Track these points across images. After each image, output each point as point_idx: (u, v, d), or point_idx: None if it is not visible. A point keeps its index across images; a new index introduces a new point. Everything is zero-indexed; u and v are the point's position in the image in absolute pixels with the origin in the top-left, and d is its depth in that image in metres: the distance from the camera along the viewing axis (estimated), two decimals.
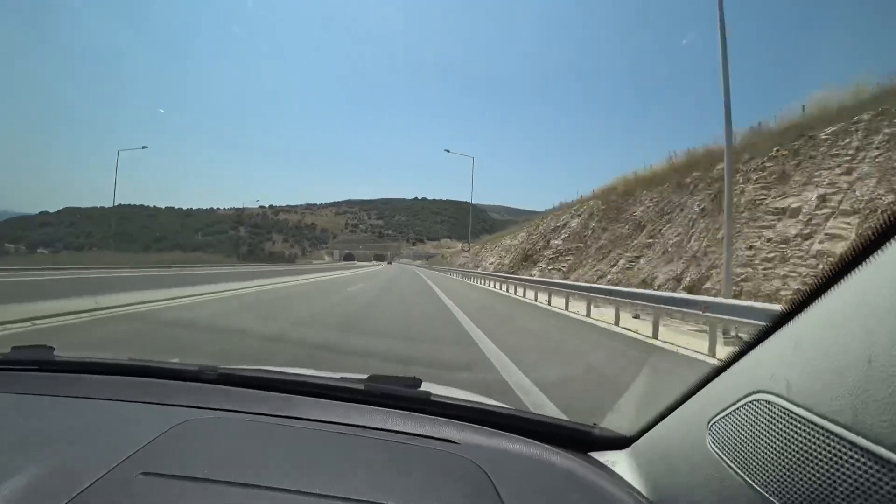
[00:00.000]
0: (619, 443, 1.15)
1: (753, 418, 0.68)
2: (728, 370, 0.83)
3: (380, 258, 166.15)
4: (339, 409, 1.17)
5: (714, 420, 0.78)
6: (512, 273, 29.10)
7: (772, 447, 0.63)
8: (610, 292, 11.20)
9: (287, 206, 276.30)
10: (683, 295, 10.33)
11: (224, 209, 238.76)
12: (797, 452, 0.58)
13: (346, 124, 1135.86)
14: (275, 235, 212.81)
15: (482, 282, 27.29)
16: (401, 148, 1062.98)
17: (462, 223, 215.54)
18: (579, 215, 27.50)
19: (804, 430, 0.57)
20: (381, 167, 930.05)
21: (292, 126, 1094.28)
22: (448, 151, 38.39)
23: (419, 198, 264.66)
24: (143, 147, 43.02)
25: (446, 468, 0.94)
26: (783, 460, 0.60)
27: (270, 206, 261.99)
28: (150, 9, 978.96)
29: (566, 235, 27.36)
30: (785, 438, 0.60)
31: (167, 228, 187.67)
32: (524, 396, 4.09)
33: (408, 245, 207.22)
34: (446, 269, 49.72)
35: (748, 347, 0.78)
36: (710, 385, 0.88)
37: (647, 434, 1.07)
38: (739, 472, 0.69)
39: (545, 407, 3.82)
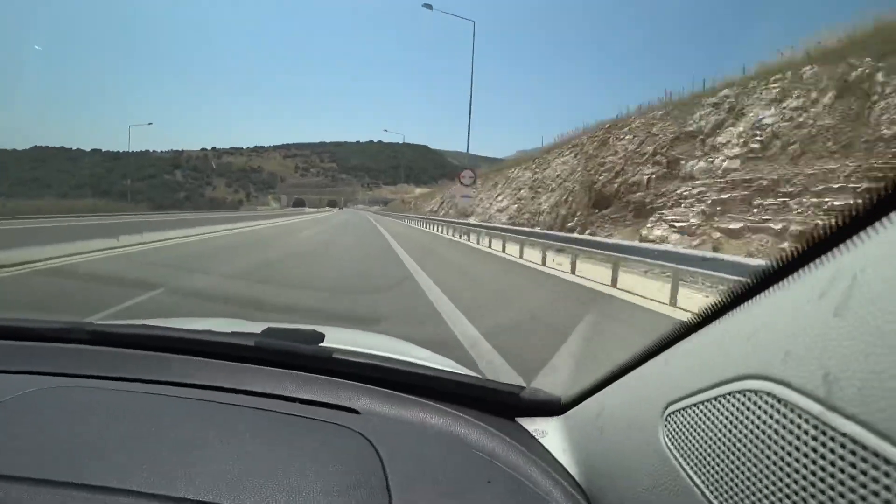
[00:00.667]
0: (552, 408, 0.98)
1: (740, 420, 0.44)
2: (701, 333, 0.57)
3: (332, 204, 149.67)
4: (226, 372, 0.98)
5: (673, 408, 0.56)
6: (565, 232, 15.71)
7: (770, 471, 0.39)
8: None
9: (232, 148, 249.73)
10: None
11: (160, 152, 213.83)
12: (821, 485, 0.34)
13: (299, 62, 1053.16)
14: (216, 180, 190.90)
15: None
16: (355, 87, 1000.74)
17: (420, 167, 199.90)
18: (764, 103, 12.24)
19: (854, 458, 0.32)
20: (334, 108, 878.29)
21: (242, 62, 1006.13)
22: (429, 7, 23.67)
23: (374, 140, 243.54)
24: None
25: (333, 446, 0.77)
26: (779, 489, 0.38)
27: (214, 149, 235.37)
28: None
29: (747, 150, 12.00)
30: (807, 462, 0.36)
31: (90, 173, 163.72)
32: None
33: (363, 190, 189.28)
34: (419, 219, 34.51)
35: (737, 300, 0.50)
36: (673, 352, 0.62)
37: (585, 402, 0.89)
38: (704, 489, 0.48)
39: None
